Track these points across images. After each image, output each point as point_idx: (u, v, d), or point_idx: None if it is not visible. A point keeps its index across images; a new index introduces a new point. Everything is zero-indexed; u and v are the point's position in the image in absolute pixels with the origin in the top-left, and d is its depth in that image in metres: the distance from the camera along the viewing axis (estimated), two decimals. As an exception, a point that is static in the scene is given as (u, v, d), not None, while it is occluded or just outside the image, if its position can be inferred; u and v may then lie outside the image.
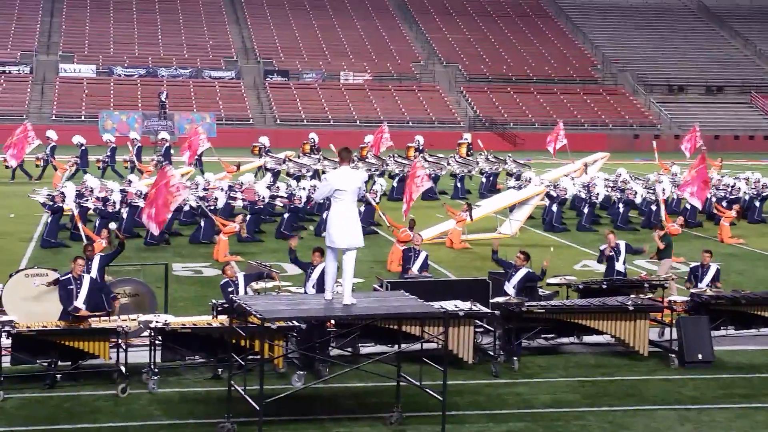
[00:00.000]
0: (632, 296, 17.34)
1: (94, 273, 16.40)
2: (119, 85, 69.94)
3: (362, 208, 28.63)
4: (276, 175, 38.01)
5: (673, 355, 16.21)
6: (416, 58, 78.23)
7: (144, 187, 28.94)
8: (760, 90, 78.52)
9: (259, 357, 13.06)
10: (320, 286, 15.96)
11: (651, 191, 33.44)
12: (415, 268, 20.46)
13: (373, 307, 13.57)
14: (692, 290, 18.47)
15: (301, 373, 14.60)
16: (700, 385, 15.18)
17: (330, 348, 15.39)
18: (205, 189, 30.58)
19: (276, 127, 66.06)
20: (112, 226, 23.85)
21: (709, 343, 16.29)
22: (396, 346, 13.93)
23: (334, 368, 14.78)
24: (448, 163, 40.99)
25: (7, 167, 41.27)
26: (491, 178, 40.41)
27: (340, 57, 76.42)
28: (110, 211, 26.88)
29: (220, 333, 14.75)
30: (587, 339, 17.20)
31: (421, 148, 45.60)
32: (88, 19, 77.24)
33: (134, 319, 15.09)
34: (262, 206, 29.45)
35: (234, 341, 14.05)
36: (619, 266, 19.43)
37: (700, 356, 16.09)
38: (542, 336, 16.69)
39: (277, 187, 32.23)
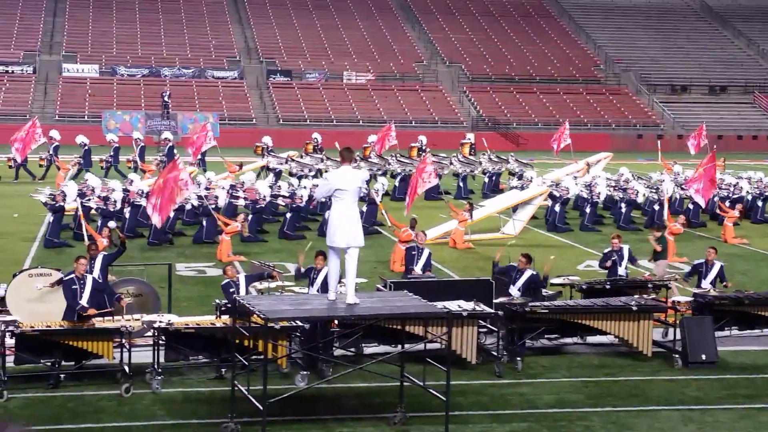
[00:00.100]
0: (636, 297, 17.33)
1: (96, 272, 16.41)
2: (122, 85, 69.97)
3: (364, 208, 28.64)
4: (278, 174, 38.02)
5: (677, 356, 16.20)
6: (419, 57, 78.23)
7: (146, 187, 28.96)
8: (763, 90, 78.45)
9: (262, 357, 13.06)
10: (325, 289, 15.96)
11: (653, 191, 33.42)
12: (418, 268, 20.46)
13: (376, 307, 13.56)
14: (696, 290, 18.47)
15: (305, 373, 14.60)
16: (704, 385, 15.17)
17: (333, 348, 15.39)
18: (207, 188, 30.60)
19: (279, 127, 66.08)
20: (112, 224, 23.90)
21: (712, 343, 16.28)
22: (399, 347, 13.92)
23: (337, 368, 14.77)
24: (451, 163, 40.99)
25: (10, 167, 41.33)
26: (494, 178, 40.40)
27: (343, 57, 76.43)
28: (111, 210, 26.91)
29: (224, 333, 14.75)
30: (591, 339, 17.19)
31: (424, 148, 45.62)
32: (91, 19, 77.29)
33: (138, 319, 15.11)
34: (263, 205, 29.46)
35: (237, 341, 14.05)
36: (621, 270, 19.44)
37: (703, 357, 16.08)
38: (546, 336, 16.67)
39: (279, 186, 32.23)
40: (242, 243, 26.79)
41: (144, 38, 75.95)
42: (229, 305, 15.50)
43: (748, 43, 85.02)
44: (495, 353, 15.81)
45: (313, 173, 38.09)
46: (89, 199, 27.97)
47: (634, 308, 16.35)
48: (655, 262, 21.12)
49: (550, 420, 13.40)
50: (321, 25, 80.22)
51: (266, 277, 17.60)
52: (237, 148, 51.19)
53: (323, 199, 14.18)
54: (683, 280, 19.91)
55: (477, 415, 13.52)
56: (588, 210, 31.59)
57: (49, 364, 14.47)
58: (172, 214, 27.51)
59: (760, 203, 34.39)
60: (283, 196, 30.62)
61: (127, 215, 27.66)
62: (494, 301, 16.65)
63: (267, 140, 43.72)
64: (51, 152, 41.62)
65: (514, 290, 17.42)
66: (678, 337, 16.42)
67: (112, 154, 42.10)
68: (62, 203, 26.71)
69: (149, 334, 15.22)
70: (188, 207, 29.40)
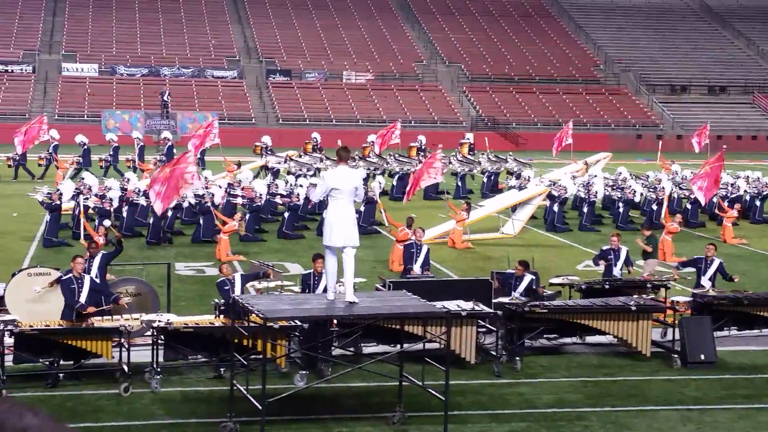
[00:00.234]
0: (635, 296, 17.33)
1: (94, 271, 16.41)
2: (122, 85, 69.96)
3: (362, 208, 28.62)
4: (276, 174, 38.01)
5: (676, 356, 16.20)
6: (419, 57, 78.23)
7: (143, 186, 29.00)
8: (762, 90, 78.46)
9: (261, 356, 13.06)
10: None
11: (651, 190, 33.42)
12: (417, 267, 20.45)
13: (375, 307, 13.56)
14: (695, 290, 18.47)
15: (304, 372, 14.60)
16: (703, 385, 15.17)
17: (332, 348, 15.39)
18: (204, 187, 30.61)
19: (278, 127, 66.08)
20: (107, 223, 23.89)
21: (711, 343, 16.28)
22: (398, 346, 13.93)
23: (336, 368, 14.77)
24: (450, 162, 41.00)
25: (9, 166, 41.33)
26: (492, 178, 40.41)
27: (343, 56, 76.42)
28: (107, 209, 26.90)
29: (223, 332, 14.75)
30: (590, 339, 17.20)
31: (423, 147, 45.61)
32: (90, 19, 77.28)
33: (137, 319, 15.11)
34: (260, 204, 29.43)
35: (236, 341, 14.05)
36: (616, 271, 19.41)
37: (702, 357, 16.08)
38: (545, 336, 16.68)
39: (276, 185, 32.19)
40: (241, 242, 26.79)
41: (143, 38, 75.94)
42: (223, 304, 15.54)
43: (748, 44, 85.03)
44: (494, 353, 15.81)
45: (311, 173, 38.08)
46: (87, 198, 27.97)
47: (633, 308, 16.35)
48: (644, 261, 21.12)
49: (549, 420, 13.40)
50: (321, 24, 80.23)
51: (261, 276, 17.57)
52: (236, 147, 51.18)
53: (322, 199, 14.13)
54: (675, 269, 19.93)
55: (476, 414, 13.52)
56: (585, 210, 31.58)
57: (48, 363, 14.47)
58: (170, 213, 27.54)
59: (758, 203, 34.38)
60: (281, 195, 30.60)
61: (125, 214, 27.65)
62: (493, 300, 16.65)
63: (266, 140, 43.72)
64: (50, 151, 41.62)
65: (516, 294, 17.40)
66: (677, 337, 16.43)
67: (111, 153, 42.10)
68: (59, 202, 26.71)
69: (148, 333, 15.22)
70: (185, 205, 29.38)
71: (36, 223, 29.23)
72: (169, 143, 43.68)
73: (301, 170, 38.33)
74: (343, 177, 13.04)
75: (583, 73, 78.48)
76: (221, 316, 15.48)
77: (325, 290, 16.35)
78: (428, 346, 14.35)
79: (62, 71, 70.72)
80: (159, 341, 14.70)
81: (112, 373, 14.56)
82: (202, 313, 17.08)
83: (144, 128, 57.48)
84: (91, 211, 27.96)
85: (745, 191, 35.26)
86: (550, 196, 31.51)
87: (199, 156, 40.35)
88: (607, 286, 18.21)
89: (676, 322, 16.70)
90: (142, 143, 43.93)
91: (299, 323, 14.66)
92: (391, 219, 26.72)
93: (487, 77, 76.61)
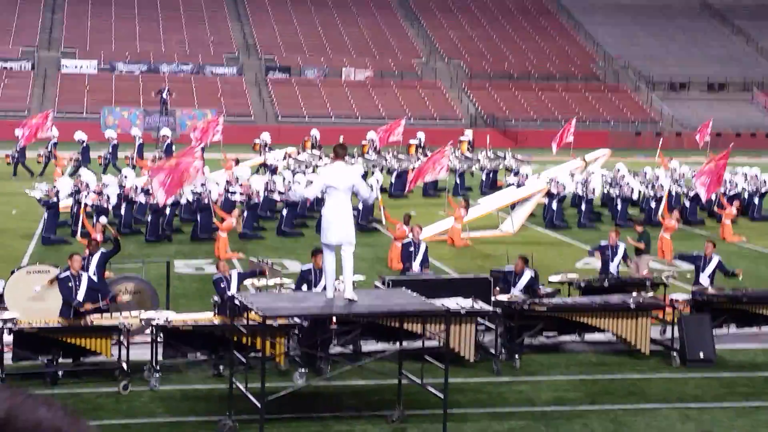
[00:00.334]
0: (634, 294, 17.33)
1: (92, 269, 16.41)
2: (121, 81, 69.90)
3: (360, 206, 28.57)
4: (273, 171, 37.97)
5: (675, 354, 16.20)
6: (418, 54, 78.20)
7: (141, 183, 29.00)
8: (762, 87, 78.43)
9: (260, 354, 13.06)
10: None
11: (650, 187, 33.38)
12: (415, 265, 20.44)
13: (374, 305, 13.57)
14: (694, 287, 18.46)
15: (303, 370, 14.60)
16: (702, 383, 15.18)
17: (332, 345, 15.39)
18: (201, 183, 30.56)
19: (277, 124, 66.03)
20: (103, 220, 23.89)
21: (710, 341, 16.28)
22: (397, 344, 13.92)
23: (335, 366, 14.77)
24: (448, 159, 40.91)
25: (8, 164, 41.31)
26: (491, 175, 40.38)
27: (342, 53, 76.38)
28: (104, 206, 26.89)
29: (222, 330, 14.75)
30: (589, 337, 17.19)
31: (422, 145, 45.58)
32: (89, 15, 77.22)
33: (136, 317, 15.10)
34: (256, 200, 29.38)
35: (236, 339, 14.05)
36: (612, 267, 19.39)
37: (701, 354, 16.09)
38: (544, 334, 16.68)
39: (274, 182, 32.13)
40: (240, 240, 26.79)
41: (143, 34, 75.89)
42: (218, 301, 15.58)
43: (747, 41, 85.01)
44: (493, 351, 15.81)
45: (310, 170, 38.03)
46: (85, 195, 27.94)
47: (633, 306, 16.36)
48: (637, 257, 21.11)
49: (549, 418, 13.40)
50: (320, 21, 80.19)
51: (258, 274, 17.56)
52: (235, 144, 51.13)
53: (319, 195, 14.12)
54: (673, 260, 19.96)
55: (475, 412, 13.52)
56: (583, 207, 31.56)
57: (47, 361, 14.47)
58: (168, 211, 27.54)
59: (756, 200, 34.33)
60: (279, 192, 30.56)
61: (123, 211, 27.63)
62: (493, 298, 16.65)
63: (266, 137, 43.67)
64: (49, 148, 41.60)
65: (516, 292, 17.41)
66: (676, 335, 16.43)
67: (110, 150, 42.07)
68: (56, 199, 26.70)
69: (147, 331, 15.22)
70: (183, 201, 29.32)
71: (35, 220, 29.21)
72: (168, 140, 43.63)
73: (299, 167, 38.29)
74: (338, 174, 13.03)
75: (583, 70, 78.45)
76: (220, 314, 15.49)
77: (325, 288, 16.41)
78: (427, 344, 14.35)
79: (61, 68, 70.66)
80: (158, 339, 14.70)
81: (111, 371, 14.57)
82: (202, 310, 17.07)
83: (143, 125, 57.45)
84: (88, 208, 27.94)
85: (743, 188, 35.18)
86: (548, 194, 31.49)
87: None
88: (606, 284, 18.22)
89: (676, 319, 16.70)
90: (140, 140, 43.89)
91: (298, 321, 14.66)
92: (389, 216, 26.68)
93: (487, 74, 76.57)
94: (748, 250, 27.83)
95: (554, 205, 31.09)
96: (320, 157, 39.92)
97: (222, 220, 25.73)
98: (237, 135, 57.85)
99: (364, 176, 32.62)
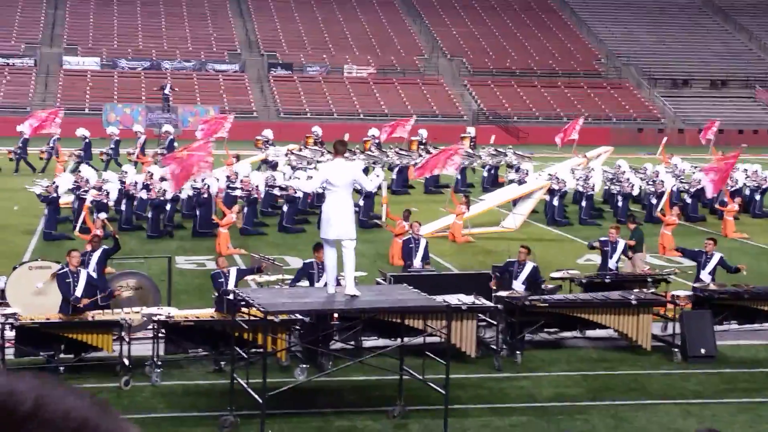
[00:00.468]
0: (635, 290, 17.33)
1: (92, 265, 16.42)
2: (123, 78, 69.91)
3: (362, 202, 28.54)
4: (274, 167, 37.97)
5: (676, 350, 16.21)
6: (420, 51, 78.16)
7: (141, 179, 29.03)
8: (764, 84, 78.35)
9: (262, 350, 13.08)
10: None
11: (650, 183, 33.37)
12: (416, 262, 20.45)
13: (376, 301, 13.58)
14: (695, 284, 18.47)
15: (304, 366, 14.61)
16: (703, 379, 15.18)
17: (333, 341, 15.40)
18: (202, 179, 30.57)
19: (279, 120, 66.03)
20: (102, 215, 23.91)
21: (711, 337, 16.29)
22: (399, 340, 13.94)
23: (336, 361, 14.78)
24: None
25: (10, 159, 41.34)
26: (493, 172, 40.36)
27: (344, 50, 76.35)
28: (105, 202, 26.91)
29: (223, 326, 14.77)
30: (590, 333, 17.20)
31: (424, 141, 45.57)
32: (92, 12, 77.22)
33: (138, 312, 15.12)
34: (256, 196, 29.37)
35: (237, 334, 14.06)
36: (611, 263, 19.37)
37: (702, 351, 16.10)
38: (545, 330, 16.69)
39: (274, 177, 32.11)
40: (242, 236, 26.80)
41: (145, 31, 75.89)
42: (217, 295, 15.62)
43: (750, 38, 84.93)
44: (494, 347, 15.82)
45: (312, 166, 38.03)
46: (85, 191, 27.96)
47: (634, 302, 16.36)
48: (631, 255, 21.07)
49: (550, 414, 13.42)
50: (322, 18, 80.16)
51: (256, 271, 17.57)
52: (238, 141, 51.15)
53: (319, 191, 14.14)
54: (675, 249, 19.96)
55: (476, 408, 13.53)
56: (584, 203, 31.53)
57: (48, 356, 14.49)
58: (169, 207, 27.56)
59: (757, 197, 34.28)
60: (280, 187, 30.55)
61: (124, 207, 27.65)
62: (494, 294, 16.66)
63: (268, 134, 43.68)
64: (51, 145, 41.62)
65: (518, 284, 17.37)
66: (677, 331, 16.44)
67: (112, 146, 42.08)
68: (55, 195, 26.72)
69: (149, 326, 15.24)
70: (183, 196, 29.30)
71: (37, 216, 29.21)
72: (171, 137, 43.63)
73: (301, 164, 38.30)
74: (338, 170, 13.03)
75: (585, 67, 78.40)
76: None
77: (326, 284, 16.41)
78: (429, 339, 14.37)
79: (63, 64, 70.67)
80: (160, 335, 14.72)
81: (112, 367, 14.59)
82: (203, 306, 17.09)
83: (145, 122, 57.44)
84: (89, 204, 27.96)
85: (744, 184, 35.12)
86: (549, 190, 31.47)
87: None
88: (607, 280, 18.22)
89: (677, 316, 16.71)
90: (142, 137, 43.90)
91: (300, 317, 14.67)
92: (390, 213, 26.68)
93: (489, 71, 76.52)
94: (749, 247, 27.82)
95: (555, 202, 31.08)
96: (322, 154, 39.93)
97: (223, 214, 25.75)
98: (239, 132, 57.82)
99: (366, 172, 32.61)
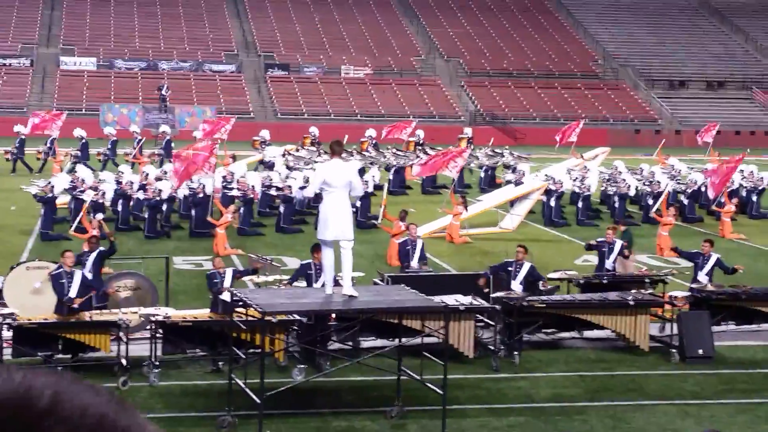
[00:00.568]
0: (633, 291, 17.33)
1: (89, 266, 16.40)
2: (120, 78, 69.89)
3: (359, 203, 28.51)
4: (271, 167, 37.95)
5: (674, 350, 16.22)
6: (417, 52, 78.18)
7: (137, 179, 29.00)
8: (761, 85, 78.43)
9: (259, 350, 13.07)
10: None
11: (647, 184, 33.37)
12: (414, 263, 20.43)
13: (374, 301, 13.57)
14: (692, 285, 18.47)
15: (302, 366, 14.60)
16: (701, 380, 15.19)
17: (331, 342, 15.39)
18: (198, 180, 30.55)
19: (276, 121, 66.03)
20: (99, 216, 23.91)
21: (709, 338, 16.30)
22: (397, 340, 13.93)
23: (334, 362, 14.78)
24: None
25: (7, 159, 41.30)
26: (490, 172, 40.37)
27: (341, 51, 76.36)
28: (101, 202, 26.89)
29: (221, 326, 14.76)
30: (588, 334, 17.19)
31: (421, 142, 45.57)
32: (88, 12, 77.18)
33: (135, 312, 15.11)
34: (252, 196, 29.35)
35: (235, 335, 14.05)
36: (608, 264, 19.36)
37: (700, 351, 16.10)
38: (543, 331, 16.69)
39: (270, 177, 32.09)
40: (239, 237, 26.79)
41: (142, 31, 75.86)
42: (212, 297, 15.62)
43: (746, 39, 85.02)
44: (492, 347, 15.81)
45: (309, 166, 38.01)
46: (81, 191, 27.92)
47: (632, 303, 16.37)
48: (622, 259, 21.03)
49: (548, 414, 13.42)
50: (319, 19, 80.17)
51: (251, 272, 17.56)
52: (235, 141, 51.11)
53: (317, 191, 14.12)
54: (671, 250, 19.97)
55: (474, 409, 13.53)
56: (580, 204, 31.53)
57: (45, 356, 14.47)
58: (165, 207, 27.56)
59: (754, 198, 34.29)
60: (276, 188, 30.53)
61: (120, 208, 27.63)
62: (492, 295, 16.65)
63: (265, 134, 43.66)
64: (49, 145, 41.60)
65: (516, 284, 17.35)
66: (675, 331, 16.44)
67: (109, 147, 42.06)
68: (51, 195, 26.71)
69: (147, 327, 15.22)
70: (181, 197, 29.27)
71: (34, 216, 29.17)
72: (167, 137, 43.61)
73: (297, 164, 38.29)
74: (335, 171, 13.02)
75: (582, 68, 78.45)
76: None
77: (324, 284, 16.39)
78: (427, 340, 14.36)
79: (60, 65, 70.63)
80: (157, 335, 14.71)
81: (110, 367, 14.57)
82: (201, 307, 17.08)
83: (142, 122, 57.39)
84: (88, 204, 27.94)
85: (741, 185, 35.11)
86: (546, 191, 31.47)
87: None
88: (605, 281, 18.22)
89: (675, 316, 16.72)
90: (139, 137, 43.89)
91: (298, 317, 14.66)
92: (387, 213, 26.65)
93: (486, 72, 76.56)
94: (747, 248, 27.83)
95: (552, 203, 31.08)
96: (318, 154, 39.92)
97: (220, 214, 25.75)
98: (236, 132, 57.77)
99: (362, 172, 32.61)
